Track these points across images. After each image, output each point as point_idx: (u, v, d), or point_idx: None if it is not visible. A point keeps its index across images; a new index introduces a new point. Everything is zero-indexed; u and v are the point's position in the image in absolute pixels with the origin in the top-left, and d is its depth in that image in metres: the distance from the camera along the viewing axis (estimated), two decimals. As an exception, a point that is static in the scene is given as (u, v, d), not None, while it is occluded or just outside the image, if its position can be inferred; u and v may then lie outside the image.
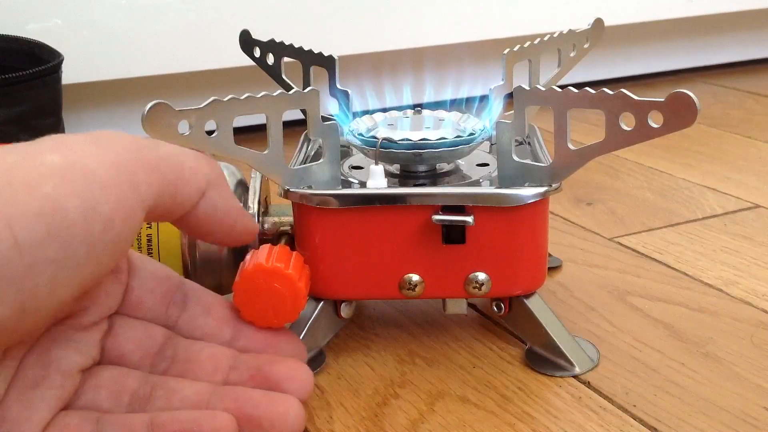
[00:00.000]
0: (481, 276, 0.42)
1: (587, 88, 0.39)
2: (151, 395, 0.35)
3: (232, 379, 0.36)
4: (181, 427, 0.33)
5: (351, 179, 0.45)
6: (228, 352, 0.37)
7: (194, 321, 0.38)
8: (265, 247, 0.40)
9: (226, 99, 0.38)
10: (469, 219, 0.41)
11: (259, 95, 0.39)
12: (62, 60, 0.72)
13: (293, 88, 0.49)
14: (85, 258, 0.30)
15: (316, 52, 0.49)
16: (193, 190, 0.35)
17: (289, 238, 0.46)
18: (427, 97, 0.49)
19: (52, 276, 0.29)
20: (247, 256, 0.40)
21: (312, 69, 0.50)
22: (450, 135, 0.44)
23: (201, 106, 0.38)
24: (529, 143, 0.47)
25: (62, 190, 0.29)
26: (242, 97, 0.39)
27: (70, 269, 0.29)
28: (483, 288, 0.42)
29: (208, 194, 0.35)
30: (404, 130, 0.45)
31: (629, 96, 0.38)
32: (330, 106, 0.47)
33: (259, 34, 0.52)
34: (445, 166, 0.46)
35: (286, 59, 0.51)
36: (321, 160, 0.43)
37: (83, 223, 0.29)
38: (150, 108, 0.36)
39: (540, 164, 0.42)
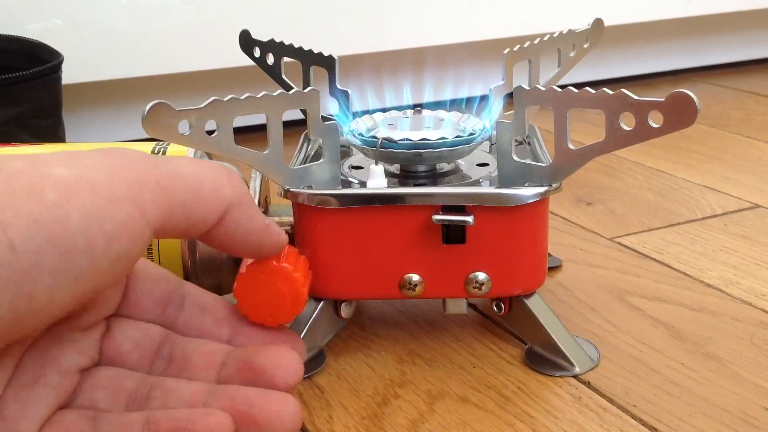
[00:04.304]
0: (481, 276, 0.42)
1: (587, 88, 0.39)
2: (149, 395, 0.35)
3: (222, 375, 0.36)
4: (177, 425, 0.33)
5: (351, 179, 0.45)
6: (222, 348, 0.37)
7: (192, 321, 0.38)
8: None
9: (226, 99, 0.38)
10: (469, 219, 0.41)
11: (259, 95, 0.39)
12: (62, 60, 0.72)
13: (293, 88, 0.49)
14: (86, 270, 0.29)
15: (316, 52, 0.49)
16: (210, 212, 0.33)
17: (289, 238, 0.46)
18: (427, 97, 0.49)
19: (51, 284, 0.28)
20: None
21: (312, 69, 0.50)
22: (450, 135, 0.44)
23: (201, 106, 0.38)
24: (529, 143, 0.47)
25: (65, 201, 0.29)
26: (242, 97, 0.39)
27: (71, 280, 0.29)
28: (483, 288, 0.42)
29: (229, 215, 0.34)
30: (404, 130, 0.45)
31: (629, 96, 0.37)
32: (330, 106, 0.47)
33: (259, 34, 0.52)
34: (445, 166, 0.46)
35: (286, 59, 0.51)
36: (321, 160, 0.43)
37: (85, 237, 0.29)
38: (150, 108, 0.36)
39: (540, 164, 0.42)
